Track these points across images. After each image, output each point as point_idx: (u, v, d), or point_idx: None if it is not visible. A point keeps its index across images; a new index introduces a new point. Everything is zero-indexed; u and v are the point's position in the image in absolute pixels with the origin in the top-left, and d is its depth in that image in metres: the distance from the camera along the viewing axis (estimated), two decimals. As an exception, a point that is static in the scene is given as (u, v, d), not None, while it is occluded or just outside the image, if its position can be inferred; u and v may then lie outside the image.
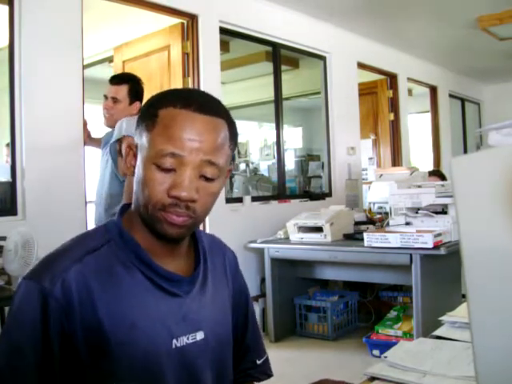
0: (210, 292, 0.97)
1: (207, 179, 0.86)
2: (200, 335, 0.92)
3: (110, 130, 2.92)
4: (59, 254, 0.87)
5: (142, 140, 0.88)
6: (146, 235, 0.90)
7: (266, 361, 1.11)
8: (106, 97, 2.88)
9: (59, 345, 0.81)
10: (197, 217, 0.87)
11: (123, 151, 0.93)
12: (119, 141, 2.61)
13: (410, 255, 3.03)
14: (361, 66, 5.55)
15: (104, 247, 0.87)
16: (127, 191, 2.44)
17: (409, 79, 6.34)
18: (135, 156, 0.90)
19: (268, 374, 1.10)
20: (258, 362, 1.09)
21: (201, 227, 4.24)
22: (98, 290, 0.83)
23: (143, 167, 0.86)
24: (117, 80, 2.89)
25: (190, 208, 0.85)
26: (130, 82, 2.87)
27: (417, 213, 3.28)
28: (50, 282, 0.81)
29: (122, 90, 2.83)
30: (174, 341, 0.88)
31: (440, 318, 1.34)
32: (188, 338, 0.90)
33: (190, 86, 3.85)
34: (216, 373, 0.96)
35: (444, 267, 3.21)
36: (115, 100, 2.83)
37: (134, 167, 0.90)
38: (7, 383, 0.79)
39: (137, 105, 2.83)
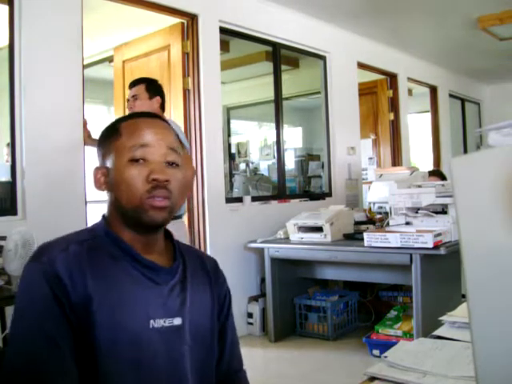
0: (190, 291, 1.04)
1: (172, 165, 1.02)
2: (177, 321, 1.00)
3: None
4: (53, 242, 0.98)
5: (109, 155, 1.02)
6: (127, 233, 1.01)
7: (245, 372, 1.18)
8: (128, 100, 2.96)
9: (70, 313, 0.90)
10: (173, 199, 1.01)
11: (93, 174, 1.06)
12: None
13: (410, 255, 3.03)
14: (361, 65, 5.54)
15: (89, 241, 0.98)
16: None
17: (409, 79, 6.34)
18: (104, 174, 1.03)
19: None
20: (244, 368, 1.17)
21: (201, 226, 4.17)
22: (88, 272, 0.93)
23: (119, 170, 1.00)
24: (134, 82, 2.98)
25: (167, 188, 0.99)
26: (146, 81, 2.96)
27: (417, 213, 3.28)
28: (48, 261, 0.92)
29: (140, 88, 2.91)
30: (152, 321, 0.96)
31: (440, 318, 1.34)
32: (165, 322, 0.98)
33: (190, 85, 3.85)
34: (197, 363, 1.02)
35: (444, 267, 3.21)
36: (135, 97, 2.90)
37: (105, 184, 1.03)
38: (42, 367, 0.87)
39: (158, 99, 2.90)
